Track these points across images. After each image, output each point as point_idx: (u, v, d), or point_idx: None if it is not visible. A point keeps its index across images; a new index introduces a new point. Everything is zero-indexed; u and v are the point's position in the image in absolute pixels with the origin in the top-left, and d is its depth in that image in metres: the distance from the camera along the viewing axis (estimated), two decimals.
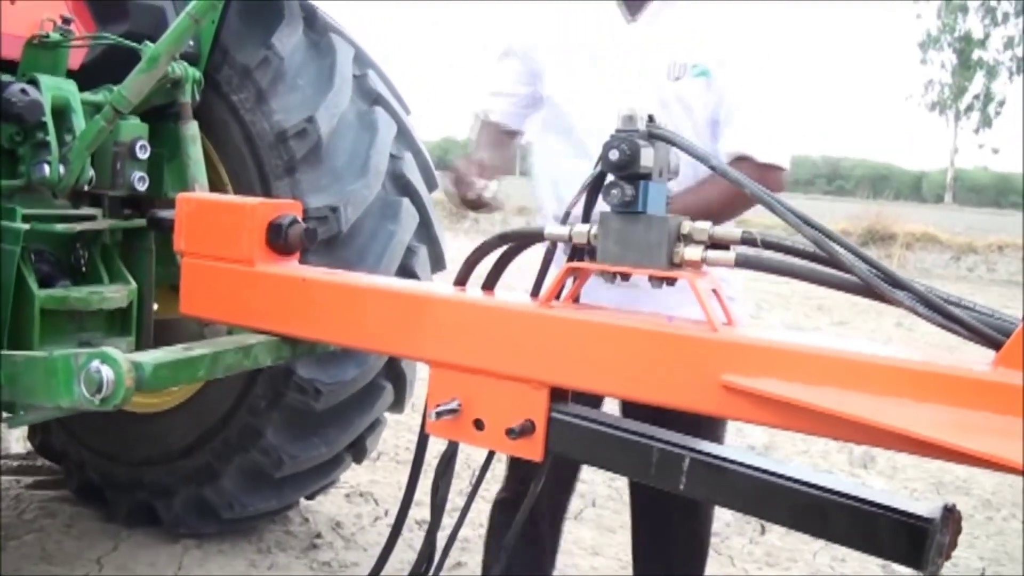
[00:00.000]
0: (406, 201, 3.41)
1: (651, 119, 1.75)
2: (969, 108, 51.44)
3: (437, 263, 3.63)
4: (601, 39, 2.56)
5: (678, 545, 2.79)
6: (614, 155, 1.68)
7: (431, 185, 3.59)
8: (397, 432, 5.33)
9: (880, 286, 1.55)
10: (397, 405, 3.66)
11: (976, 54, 50.59)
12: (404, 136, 3.54)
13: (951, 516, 1.52)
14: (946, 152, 53.90)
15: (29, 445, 4.35)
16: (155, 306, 3.22)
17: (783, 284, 12.99)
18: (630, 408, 2.10)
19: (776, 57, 2.51)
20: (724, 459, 1.65)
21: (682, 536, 2.77)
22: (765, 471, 1.62)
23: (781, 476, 1.60)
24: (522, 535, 2.39)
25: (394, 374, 3.54)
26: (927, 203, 48.65)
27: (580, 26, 2.63)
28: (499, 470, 4.81)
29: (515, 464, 2.52)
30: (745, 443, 5.74)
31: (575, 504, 4.48)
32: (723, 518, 4.37)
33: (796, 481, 1.59)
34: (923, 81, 52.88)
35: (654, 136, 1.72)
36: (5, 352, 2.47)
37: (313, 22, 3.41)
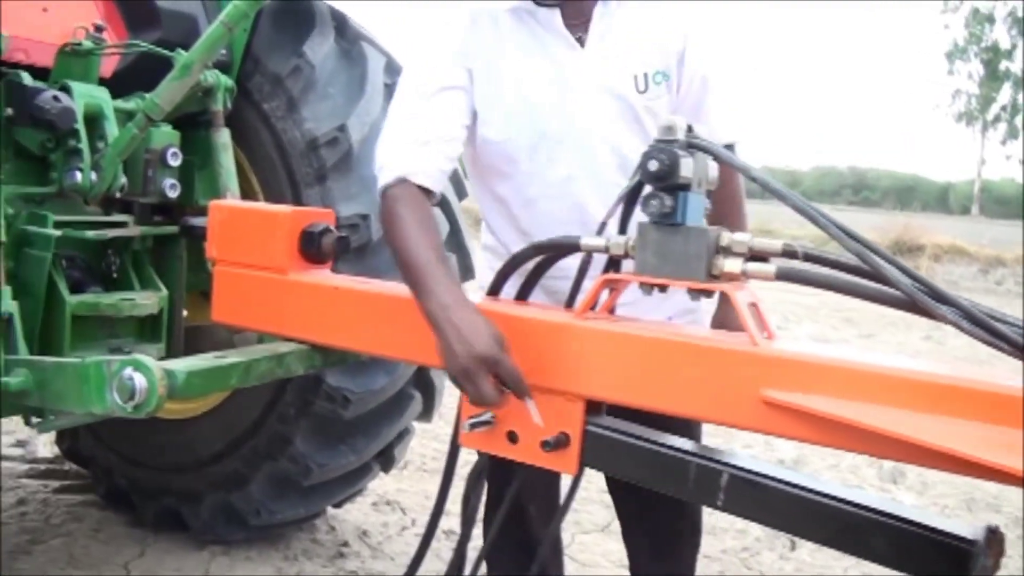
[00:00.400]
0: (436, 210, 3.39)
1: (690, 129, 1.73)
2: (996, 119, 51.06)
3: (467, 272, 3.61)
4: (554, 72, 2.22)
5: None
6: (653, 165, 1.66)
7: (461, 194, 3.58)
8: (424, 441, 5.31)
9: (924, 301, 1.52)
10: (425, 414, 3.64)
11: (1004, 65, 50.24)
12: None
13: (994, 538, 1.49)
14: (973, 163, 53.54)
15: (57, 449, 4.36)
16: (185, 313, 3.22)
17: (810, 296, 12.90)
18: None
19: (730, 44, 2.39)
20: (763, 475, 1.63)
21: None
22: (805, 488, 1.60)
23: (821, 494, 1.58)
24: (524, 553, 2.37)
25: (423, 383, 3.52)
26: (954, 215, 48.32)
27: (525, 65, 2.23)
28: None
29: (492, 477, 2.42)
30: (774, 457, 5.70)
31: (603, 517, 4.45)
32: (753, 533, 4.33)
33: (836, 499, 1.57)
34: (951, 91, 52.51)
35: (693, 146, 1.70)
36: (36, 357, 2.48)
37: (344, 30, 3.40)
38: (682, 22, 2.28)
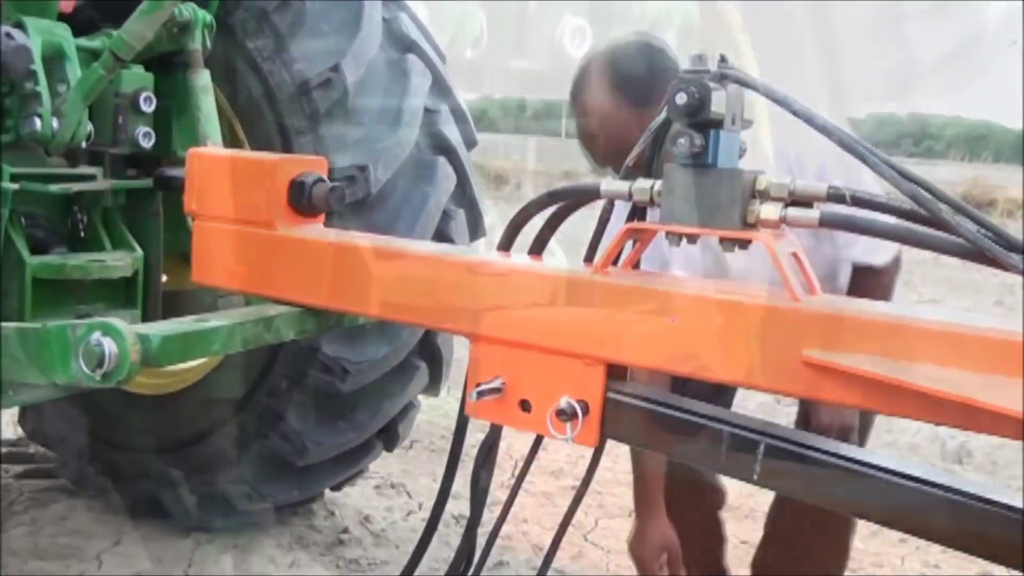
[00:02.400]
0: (442, 160, 3.39)
1: (723, 59, 1.71)
2: None
3: (476, 229, 3.61)
4: None
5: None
6: (681, 99, 1.64)
7: (470, 143, 3.56)
8: (432, 418, 5.31)
9: (991, 248, 1.49)
10: (432, 387, 3.65)
11: None
12: (440, 88, 3.51)
13: None
14: None
15: (20, 430, 4.37)
16: (163, 276, 3.22)
17: None
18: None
19: None
20: (806, 446, 1.62)
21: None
22: (854, 460, 1.58)
23: (874, 467, 1.56)
24: None
25: (429, 352, 3.53)
26: None
27: None
28: (544, 460, 4.81)
29: None
30: None
31: (629, 500, 4.43)
32: None
33: (891, 472, 1.55)
34: None
35: (726, 77, 1.68)
36: None
37: None
38: None
